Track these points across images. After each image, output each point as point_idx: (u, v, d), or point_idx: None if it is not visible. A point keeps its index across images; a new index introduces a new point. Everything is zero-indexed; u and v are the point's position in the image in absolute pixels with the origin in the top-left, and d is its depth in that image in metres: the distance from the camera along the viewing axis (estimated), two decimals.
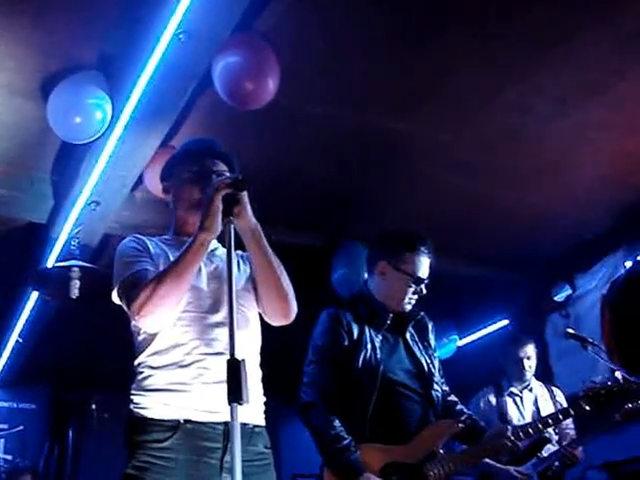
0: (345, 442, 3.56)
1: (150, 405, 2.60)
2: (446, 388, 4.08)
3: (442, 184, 5.91)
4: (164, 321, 2.61)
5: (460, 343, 8.57)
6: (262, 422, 2.76)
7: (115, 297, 2.79)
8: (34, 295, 6.42)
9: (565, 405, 5.25)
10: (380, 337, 3.83)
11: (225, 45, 4.01)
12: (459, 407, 4.08)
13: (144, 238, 2.86)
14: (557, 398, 5.44)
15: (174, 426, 2.55)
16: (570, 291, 7.35)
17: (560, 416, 4.29)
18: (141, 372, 2.69)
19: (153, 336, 2.67)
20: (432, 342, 4.06)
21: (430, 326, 4.11)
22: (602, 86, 4.87)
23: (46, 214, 5.58)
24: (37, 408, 9.42)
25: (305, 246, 6.25)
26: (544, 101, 5.01)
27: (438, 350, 4.27)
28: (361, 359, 3.72)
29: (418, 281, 3.85)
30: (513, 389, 5.41)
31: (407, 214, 5.98)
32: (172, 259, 2.71)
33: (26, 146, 5.09)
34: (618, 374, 4.26)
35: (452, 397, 4.12)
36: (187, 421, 2.56)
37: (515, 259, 7.25)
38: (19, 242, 6.04)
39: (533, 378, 5.49)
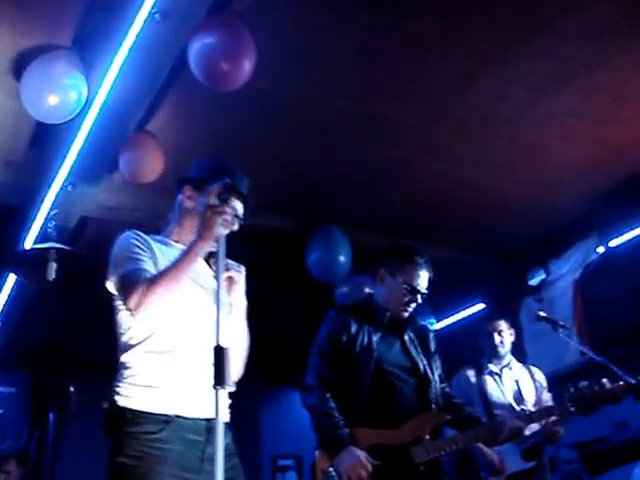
0: (335, 419, 3.71)
1: (142, 399, 2.69)
2: (448, 390, 4.23)
3: (418, 169, 5.89)
4: (157, 313, 2.70)
5: (437, 326, 8.56)
6: (228, 419, 2.88)
7: (110, 286, 2.84)
8: (11, 278, 6.33)
9: (544, 384, 5.35)
10: (378, 335, 3.98)
11: (201, 25, 3.96)
12: (458, 401, 4.25)
13: (147, 237, 2.92)
14: (536, 377, 5.42)
15: (166, 420, 2.67)
16: (544, 275, 7.37)
17: (545, 415, 4.48)
18: (130, 367, 2.76)
19: (145, 335, 2.77)
20: (432, 349, 4.19)
21: (431, 335, 4.27)
22: (577, 74, 4.88)
23: (23, 197, 5.51)
24: (17, 392, 9.33)
25: (281, 230, 6.22)
26: (520, 88, 5.00)
27: None
28: (357, 347, 3.89)
29: (413, 291, 3.99)
30: (492, 367, 5.39)
31: (381, 198, 5.95)
32: (166, 262, 2.80)
33: (0, 127, 4.99)
34: (605, 380, 4.29)
35: (456, 400, 4.26)
36: (178, 416, 2.69)
37: (490, 244, 7.27)
38: None
39: (513, 359, 5.48)
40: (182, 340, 2.79)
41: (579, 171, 6.05)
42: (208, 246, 2.68)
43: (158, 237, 3.01)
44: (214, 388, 2.18)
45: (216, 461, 2.13)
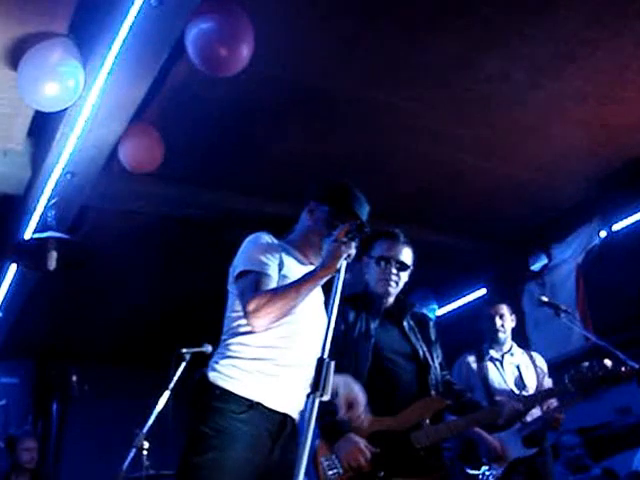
0: (334, 407, 3.63)
1: (236, 382, 2.98)
2: (449, 378, 4.26)
3: (415, 153, 5.86)
4: (268, 326, 2.97)
5: (439, 312, 8.60)
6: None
7: (233, 278, 3.12)
8: (12, 268, 6.31)
9: (545, 370, 5.35)
10: (377, 322, 4.03)
11: (198, 10, 3.91)
12: (458, 388, 4.28)
13: (278, 246, 3.18)
14: (537, 363, 5.42)
15: (250, 404, 2.95)
16: (546, 260, 7.35)
17: (546, 396, 4.57)
18: (235, 351, 3.05)
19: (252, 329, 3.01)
20: (433, 337, 4.21)
21: (431, 324, 4.29)
22: (577, 56, 4.83)
23: (22, 186, 5.48)
24: (19, 382, 9.33)
25: (278, 215, 6.18)
26: (519, 70, 4.96)
27: None
28: (356, 334, 3.94)
29: (387, 262, 4.01)
30: (493, 353, 5.38)
31: (381, 183, 5.92)
32: (292, 274, 3.08)
33: None
34: (607, 361, 4.29)
35: (456, 386, 4.30)
36: (259, 403, 2.97)
37: (492, 229, 7.23)
38: None
39: (514, 344, 5.46)
40: (284, 341, 3.05)
41: (581, 154, 6.01)
42: (330, 275, 2.86)
43: (285, 244, 3.26)
44: (309, 395, 2.30)
45: (300, 462, 2.20)
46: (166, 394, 5.16)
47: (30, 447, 6.63)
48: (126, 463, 5.07)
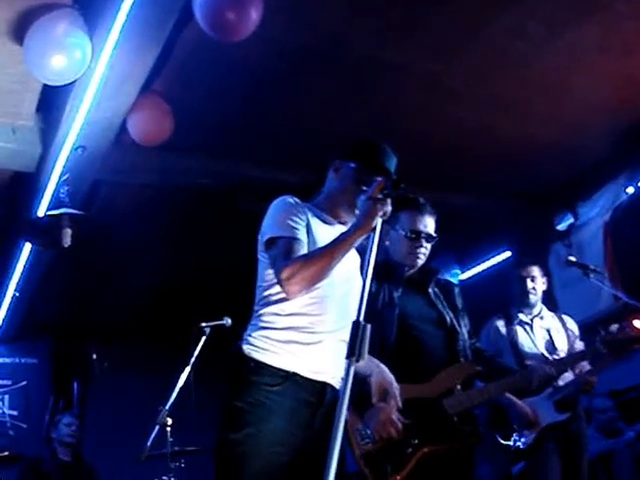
0: (363, 376, 3.68)
1: (270, 353, 2.97)
2: (478, 345, 4.27)
3: (436, 115, 5.82)
4: (304, 293, 2.94)
5: (463, 277, 8.58)
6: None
7: (263, 244, 3.09)
8: (27, 247, 6.36)
9: (577, 332, 5.31)
10: (400, 292, 3.99)
11: None
12: (487, 354, 4.32)
13: (304, 208, 3.12)
14: (568, 326, 5.38)
15: (285, 376, 2.94)
16: (572, 220, 7.30)
17: (578, 359, 4.63)
18: (267, 321, 3.03)
19: (288, 298, 2.98)
20: (459, 305, 4.19)
21: (456, 290, 4.26)
22: (597, 6, 4.74)
23: (33, 163, 5.50)
24: (39, 362, 9.39)
25: (293, 183, 6.19)
26: (537, 24, 4.89)
27: None
28: (379, 305, 3.91)
29: (416, 236, 3.98)
30: (522, 317, 5.33)
31: (398, 146, 5.90)
32: (321, 237, 3.03)
33: (4, 92, 4.96)
34: (638, 321, 4.30)
35: (486, 352, 4.33)
36: (295, 374, 2.95)
37: (515, 189, 7.20)
38: (7, 193, 5.97)
39: (544, 308, 5.43)
40: (317, 307, 3.02)
41: (604, 109, 5.94)
42: (365, 235, 2.81)
43: (312, 206, 3.20)
44: (346, 359, 2.32)
45: (336, 430, 2.22)
46: (187, 369, 5.22)
47: (69, 422, 6.88)
48: (150, 440, 5.14)
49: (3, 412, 9.12)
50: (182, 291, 8.19)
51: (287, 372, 2.95)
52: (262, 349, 2.99)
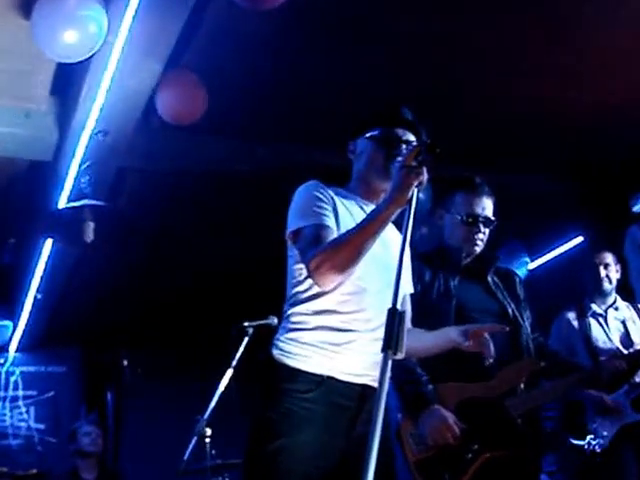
0: (417, 375, 3.73)
1: (300, 357, 2.92)
2: (541, 340, 4.21)
3: (489, 88, 5.73)
4: (337, 282, 2.87)
5: (532, 265, 8.50)
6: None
7: (289, 238, 3.04)
8: (48, 244, 6.37)
9: None
10: (457, 280, 3.97)
11: None
12: (552, 349, 4.34)
13: (330, 190, 3.06)
14: None
15: (318, 381, 2.89)
16: None
17: None
18: (297, 323, 2.99)
19: (318, 294, 2.95)
20: (521, 296, 4.15)
21: (518, 280, 4.24)
22: None
23: (49, 150, 5.51)
24: (67, 370, 9.49)
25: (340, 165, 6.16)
26: None
27: None
28: (434, 295, 3.89)
29: (473, 220, 3.96)
30: (596, 308, 5.31)
31: (451, 124, 5.81)
32: (352, 221, 2.96)
33: (14, 74, 4.96)
34: None
35: (550, 348, 4.35)
36: (330, 378, 2.90)
37: (587, 168, 7.06)
38: (23, 185, 5.97)
39: (619, 298, 5.39)
40: (350, 303, 2.96)
41: None
42: (400, 209, 2.71)
43: (341, 190, 3.15)
44: (382, 352, 2.25)
45: (374, 431, 2.15)
46: (228, 373, 5.18)
47: (88, 431, 6.82)
48: (187, 453, 5.11)
49: (29, 426, 9.23)
50: (220, 289, 8.19)
51: (321, 376, 2.90)
52: (292, 353, 2.95)
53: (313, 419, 2.85)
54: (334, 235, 2.89)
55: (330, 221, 2.94)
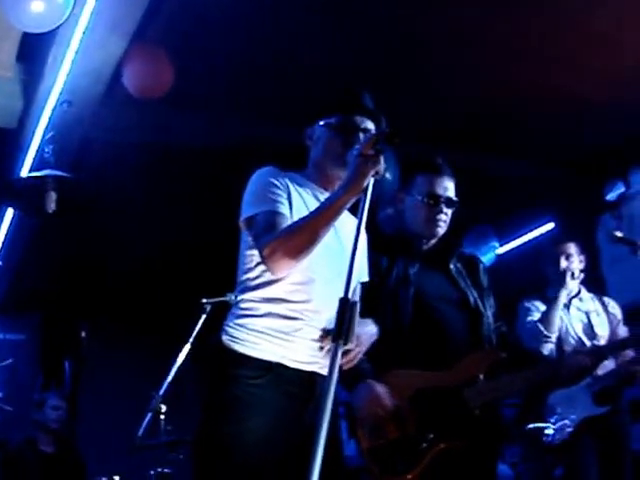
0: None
1: (249, 343, 2.96)
2: (504, 329, 4.15)
3: (468, 69, 5.77)
4: (290, 269, 2.91)
5: (501, 250, 8.54)
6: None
7: (243, 224, 3.06)
8: (9, 212, 6.39)
9: (620, 317, 5.30)
10: (416, 267, 3.93)
11: None
12: (514, 340, 4.32)
13: (285, 177, 3.08)
14: (610, 309, 5.35)
15: (267, 367, 2.93)
16: (623, 189, 7.23)
17: (619, 347, 4.64)
18: (246, 309, 3.02)
19: (268, 282, 2.99)
20: (484, 284, 4.10)
21: (482, 266, 4.18)
22: None
23: (14, 118, 5.53)
24: (27, 338, 9.49)
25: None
26: None
27: None
28: (392, 282, 3.86)
29: (434, 200, 3.91)
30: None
31: (430, 104, 5.86)
32: (306, 209, 2.99)
33: None
34: None
35: (512, 338, 4.29)
36: (279, 365, 2.94)
37: (561, 154, 7.15)
38: None
39: (583, 289, 5.40)
40: (305, 291, 2.99)
41: None
42: (355, 197, 2.73)
43: (296, 176, 3.16)
44: (332, 342, 2.28)
45: (321, 420, 2.18)
46: (185, 350, 5.24)
47: (57, 405, 6.77)
48: (142, 429, 5.18)
49: None
50: (181, 263, 8.25)
51: (270, 363, 2.94)
52: (241, 340, 2.98)
53: (261, 405, 2.89)
54: (288, 222, 2.91)
55: (284, 208, 2.96)
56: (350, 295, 2.32)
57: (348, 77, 5.51)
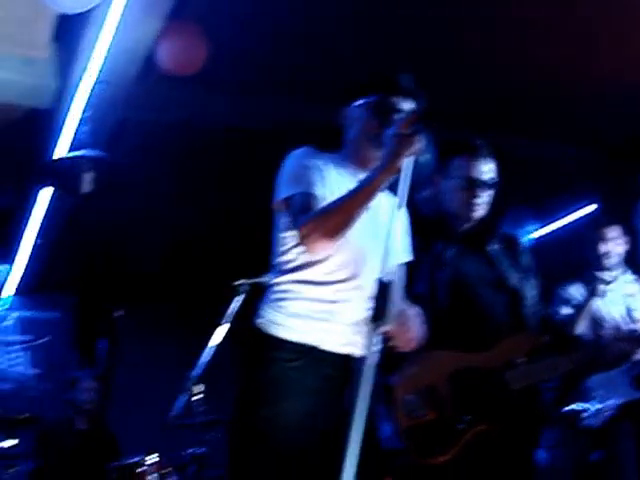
0: None
1: (287, 326, 2.99)
2: (546, 311, 4.23)
3: (505, 48, 5.69)
4: (327, 250, 2.92)
5: (539, 233, 8.52)
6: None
7: (278, 205, 3.08)
8: (46, 191, 6.43)
9: None
10: (454, 249, 3.90)
11: None
12: (556, 323, 4.43)
13: (320, 158, 3.11)
14: None
15: (304, 350, 2.96)
16: None
17: None
18: (282, 292, 3.04)
19: (303, 265, 3.01)
20: (525, 265, 4.05)
21: (524, 248, 4.14)
22: None
23: (49, 98, 5.54)
24: (62, 317, 9.57)
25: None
26: None
27: None
28: (431, 263, 3.85)
29: (471, 183, 3.88)
30: (600, 281, 5.31)
31: (464, 85, 5.81)
32: (342, 189, 2.96)
33: (15, 21, 4.98)
34: None
35: (554, 321, 4.42)
36: (315, 347, 2.97)
37: (604, 135, 7.07)
38: (22, 132, 6.00)
39: (628, 271, 5.37)
40: (342, 273, 3.01)
41: None
42: (392, 177, 2.75)
43: (332, 156, 3.17)
44: (371, 324, 2.33)
45: (358, 403, 2.25)
46: (220, 331, 5.25)
47: (88, 387, 6.92)
48: (177, 408, 5.23)
49: (24, 371, 9.33)
50: (215, 245, 8.30)
51: (306, 346, 2.97)
52: (277, 323, 3.00)
53: (298, 388, 2.92)
54: (323, 203, 2.91)
55: (319, 189, 2.97)
56: (386, 276, 2.36)
57: (383, 58, 5.50)
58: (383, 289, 2.33)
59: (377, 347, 2.31)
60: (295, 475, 2.90)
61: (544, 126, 6.80)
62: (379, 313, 2.31)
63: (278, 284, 3.06)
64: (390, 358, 3.41)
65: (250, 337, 3.06)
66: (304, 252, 2.96)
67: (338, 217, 2.83)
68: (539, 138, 6.97)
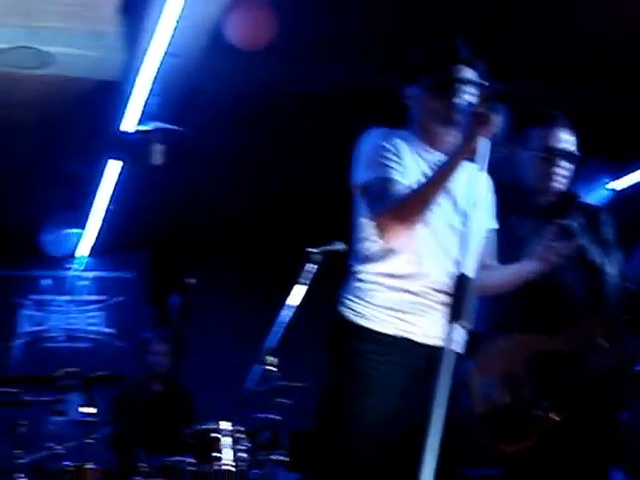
0: None
1: (374, 318, 2.99)
2: (630, 287, 3.91)
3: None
4: (405, 238, 2.91)
5: (615, 186, 8.13)
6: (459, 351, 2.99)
7: (356, 189, 3.07)
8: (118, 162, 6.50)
9: None
10: (530, 223, 3.81)
11: None
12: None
13: (398, 141, 3.05)
14: None
15: (392, 342, 2.96)
16: None
17: None
18: (366, 282, 3.04)
19: (385, 255, 3.00)
20: (608, 237, 3.92)
21: (605, 218, 3.99)
22: None
23: (118, 71, 5.56)
24: (136, 276, 9.70)
25: None
26: None
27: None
28: (506, 238, 3.66)
29: (551, 154, 3.79)
30: None
31: (531, 44, 5.68)
32: (418, 169, 3.00)
33: None
34: None
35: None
36: (403, 339, 2.97)
37: None
38: (92, 104, 6.04)
39: None
40: (425, 263, 2.99)
41: None
42: (468, 156, 2.72)
43: (405, 134, 3.13)
44: (449, 322, 2.33)
45: (439, 396, 2.27)
46: (294, 298, 5.27)
47: (158, 350, 7.01)
48: (251, 380, 5.28)
49: (99, 330, 9.50)
50: (292, 210, 8.34)
51: (394, 337, 2.95)
52: (363, 314, 2.99)
53: (388, 381, 2.93)
54: (400, 188, 2.90)
55: (397, 173, 2.94)
56: (467, 270, 2.34)
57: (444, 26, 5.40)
58: (463, 285, 2.31)
59: (457, 340, 2.32)
60: (378, 470, 2.92)
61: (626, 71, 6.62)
62: (458, 311, 2.30)
63: (361, 272, 3.05)
64: (466, 343, 3.45)
65: (335, 327, 3.07)
66: (383, 241, 2.95)
67: (415, 206, 2.83)
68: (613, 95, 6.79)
